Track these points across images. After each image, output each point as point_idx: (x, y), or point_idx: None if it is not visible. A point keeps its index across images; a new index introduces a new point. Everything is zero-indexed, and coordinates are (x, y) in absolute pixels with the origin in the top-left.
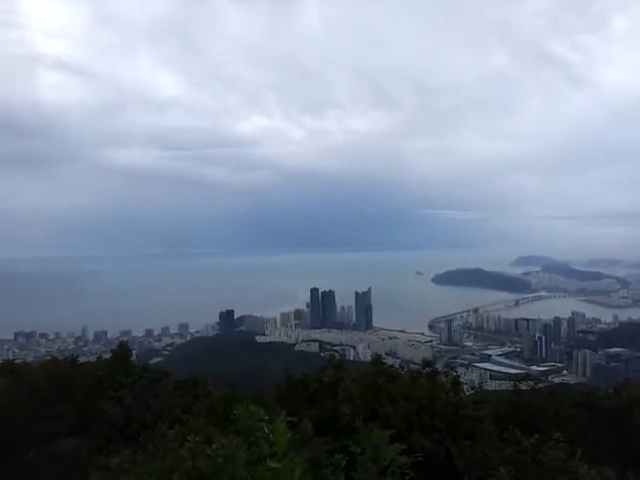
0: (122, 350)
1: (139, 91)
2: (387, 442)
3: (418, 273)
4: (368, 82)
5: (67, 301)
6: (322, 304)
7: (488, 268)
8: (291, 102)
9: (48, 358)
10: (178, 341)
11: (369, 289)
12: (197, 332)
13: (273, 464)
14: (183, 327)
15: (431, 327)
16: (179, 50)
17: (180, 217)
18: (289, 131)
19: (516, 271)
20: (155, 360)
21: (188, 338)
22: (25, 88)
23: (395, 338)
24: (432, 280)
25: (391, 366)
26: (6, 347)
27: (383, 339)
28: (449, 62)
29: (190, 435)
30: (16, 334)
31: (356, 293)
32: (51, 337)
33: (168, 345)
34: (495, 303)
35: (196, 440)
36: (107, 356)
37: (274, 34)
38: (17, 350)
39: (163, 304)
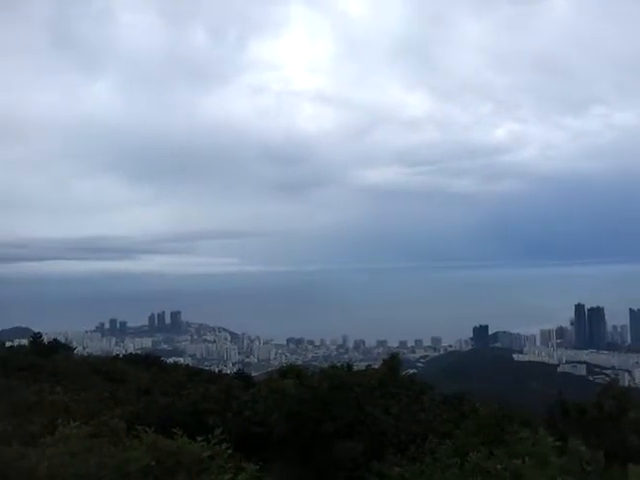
0: (394, 362)
1: (387, 112)
2: None
3: None
4: (636, 70)
5: (330, 311)
6: (589, 322)
7: None
8: (548, 104)
9: (314, 363)
10: (431, 354)
11: None
12: (450, 346)
13: None
14: (436, 340)
15: None
16: (423, 68)
17: (425, 230)
18: (546, 134)
19: None
20: (409, 372)
21: (441, 352)
22: (285, 121)
23: None
24: None
25: None
26: (280, 351)
27: None
28: None
29: (469, 452)
30: (288, 340)
31: (631, 310)
32: (317, 344)
33: (422, 357)
34: None
35: (478, 456)
36: (367, 364)
37: (522, 36)
38: (288, 354)
39: (415, 316)
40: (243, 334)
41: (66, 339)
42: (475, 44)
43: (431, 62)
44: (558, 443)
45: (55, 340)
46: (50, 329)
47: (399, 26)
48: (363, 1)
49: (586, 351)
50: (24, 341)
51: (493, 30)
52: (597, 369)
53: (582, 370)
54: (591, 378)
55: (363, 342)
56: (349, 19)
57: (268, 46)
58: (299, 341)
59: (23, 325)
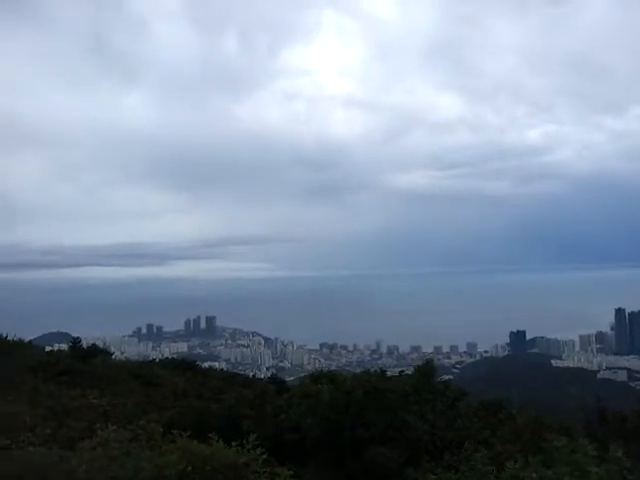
0: (428, 368)
1: (419, 116)
2: None
3: None
4: None
5: (362, 316)
6: (630, 327)
7: None
8: (584, 105)
9: (348, 368)
10: (467, 360)
11: None
12: (486, 352)
13: None
14: (471, 346)
15: None
16: (456, 70)
17: (458, 234)
18: (582, 136)
19: None
20: (444, 378)
21: (477, 357)
22: (317, 126)
23: None
24: None
25: None
26: (313, 356)
27: None
28: None
29: (506, 460)
30: (321, 345)
31: None
32: (350, 349)
33: (457, 363)
34: None
35: (515, 467)
36: (401, 370)
37: (557, 37)
38: (322, 360)
39: (450, 322)
40: (276, 339)
41: (104, 344)
42: (508, 45)
43: (463, 64)
44: (595, 452)
45: (94, 345)
46: (89, 334)
47: (429, 28)
48: (393, 4)
49: (627, 357)
50: (63, 346)
51: (526, 31)
52: (638, 375)
53: (623, 376)
54: (632, 385)
55: (397, 348)
56: (379, 23)
57: (299, 52)
58: (332, 346)
59: (63, 330)
